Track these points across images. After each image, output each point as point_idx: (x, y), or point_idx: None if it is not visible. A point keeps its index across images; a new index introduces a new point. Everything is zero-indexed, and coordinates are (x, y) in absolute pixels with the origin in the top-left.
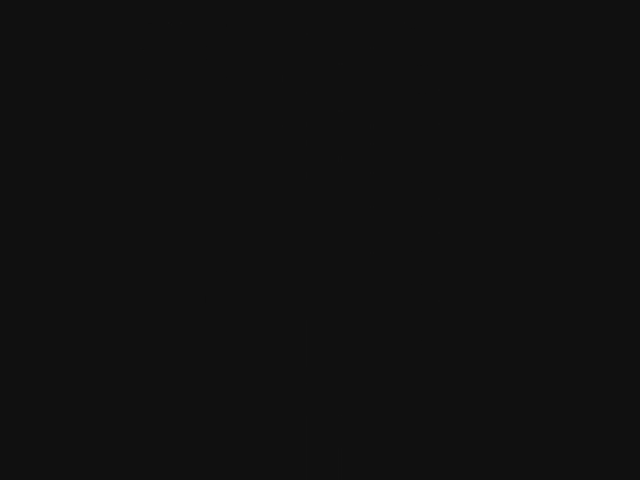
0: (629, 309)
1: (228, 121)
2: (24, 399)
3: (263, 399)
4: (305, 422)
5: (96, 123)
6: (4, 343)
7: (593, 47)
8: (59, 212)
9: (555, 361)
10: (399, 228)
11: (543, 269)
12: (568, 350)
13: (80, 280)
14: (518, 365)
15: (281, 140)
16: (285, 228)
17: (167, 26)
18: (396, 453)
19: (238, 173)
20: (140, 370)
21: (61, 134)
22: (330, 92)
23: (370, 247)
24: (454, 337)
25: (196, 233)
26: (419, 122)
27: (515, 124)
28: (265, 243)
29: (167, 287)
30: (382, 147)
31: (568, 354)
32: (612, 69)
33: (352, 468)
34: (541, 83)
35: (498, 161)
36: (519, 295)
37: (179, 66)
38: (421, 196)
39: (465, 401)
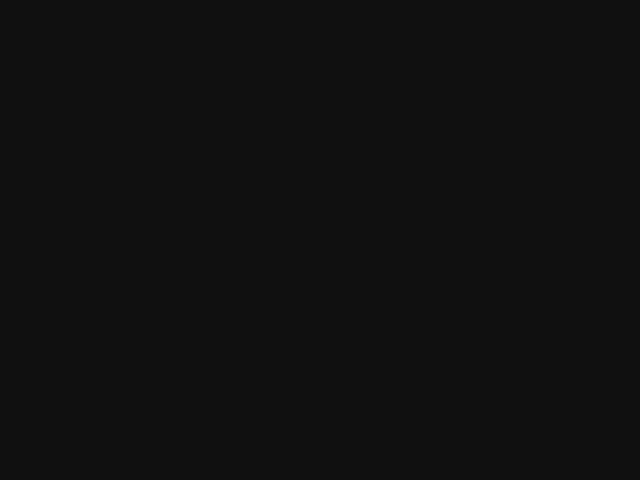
0: (629, 309)
1: (228, 121)
2: (23, 398)
3: (263, 399)
4: (305, 422)
5: (95, 123)
6: (4, 343)
7: (593, 47)
8: (58, 212)
9: (555, 361)
10: (399, 228)
11: (543, 269)
12: (568, 349)
13: (80, 280)
14: (518, 365)
15: (281, 140)
16: (285, 228)
17: (167, 26)
18: (396, 453)
19: (238, 173)
20: (139, 369)
21: (61, 133)
22: (330, 92)
23: (370, 247)
24: (454, 337)
25: (196, 233)
26: (419, 122)
27: (515, 124)
28: (265, 243)
29: (167, 287)
30: (382, 147)
31: (568, 353)
32: (612, 69)
33: (352, 468)
34: (541, 83)
35: (498, 161)
36: (519, 295)
37: (179, 66)
38: (421, 196)
39: (465, 401)
